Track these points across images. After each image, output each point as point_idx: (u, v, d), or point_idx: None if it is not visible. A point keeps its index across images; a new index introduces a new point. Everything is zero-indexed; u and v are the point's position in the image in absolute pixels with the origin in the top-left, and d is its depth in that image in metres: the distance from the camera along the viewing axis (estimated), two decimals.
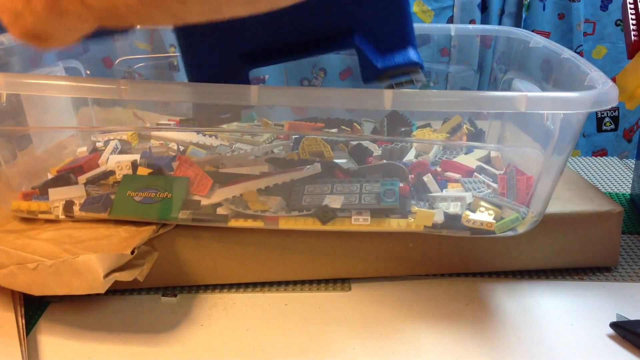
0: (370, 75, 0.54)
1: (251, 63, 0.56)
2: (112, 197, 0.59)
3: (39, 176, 0.66)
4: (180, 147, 0.74)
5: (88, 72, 0.83)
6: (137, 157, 0.66)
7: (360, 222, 0.57)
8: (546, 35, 1.13)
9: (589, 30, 1.15)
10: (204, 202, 0.59)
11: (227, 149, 0.73)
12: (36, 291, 0.53)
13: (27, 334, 0.54)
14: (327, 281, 0.62)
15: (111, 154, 0.69)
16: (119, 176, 0.63)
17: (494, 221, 0.57)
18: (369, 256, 0.61)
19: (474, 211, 0.58)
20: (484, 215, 0.57)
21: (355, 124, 0.75)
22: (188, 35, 0.57)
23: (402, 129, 0.74)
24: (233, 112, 0.63)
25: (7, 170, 0.61)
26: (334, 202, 0.58)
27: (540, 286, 0.62)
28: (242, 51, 0.56)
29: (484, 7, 1.11)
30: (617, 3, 1.14)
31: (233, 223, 0.58)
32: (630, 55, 0.65)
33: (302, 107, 0.75)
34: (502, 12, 1.12)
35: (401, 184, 0.61)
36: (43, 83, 0.52)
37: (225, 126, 0.72)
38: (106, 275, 0.51)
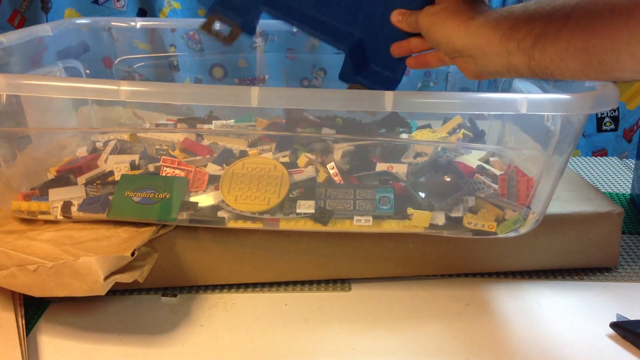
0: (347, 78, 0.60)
1: (267, 3, 0.58)
2: (110, 197, 0.59)
3: (39, 176, 0.66)
4: (165, 147, 0.73)
5: (88, 71, 0.82)
6: (136, 157, 0.66)
7: (362, 223, 0.57)
8: None
9: None
10: (203, 203, 0.59)
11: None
12: (36, 292, 0.53)
13: (27, 334, 0.54)
14: (327, 281, 0.62)
15: (110, 154, 0.69)
16: (118, 177, 0.63)
17: (496, 223, 0.57)
18: (369, 257, 0.61)
19: (475, 212, 0.58)
20: (485, 217, 0.57)
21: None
22: None
23: (401, 130, 0.74)
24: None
25: (7, 171, 0.61)
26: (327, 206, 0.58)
27: (541, 286, 0.62)
28: None
29: None
30: None
31: (232, 224, 0.58)
32: None
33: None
34: None
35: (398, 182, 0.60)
36: (43, 84, 0.52)
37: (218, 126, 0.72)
38: (106, 278, 0.51)
